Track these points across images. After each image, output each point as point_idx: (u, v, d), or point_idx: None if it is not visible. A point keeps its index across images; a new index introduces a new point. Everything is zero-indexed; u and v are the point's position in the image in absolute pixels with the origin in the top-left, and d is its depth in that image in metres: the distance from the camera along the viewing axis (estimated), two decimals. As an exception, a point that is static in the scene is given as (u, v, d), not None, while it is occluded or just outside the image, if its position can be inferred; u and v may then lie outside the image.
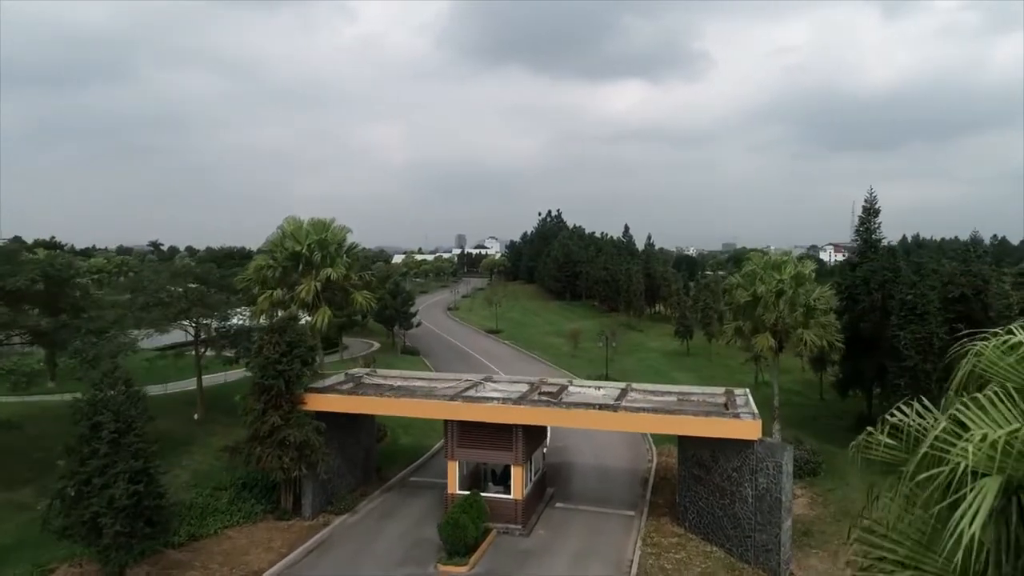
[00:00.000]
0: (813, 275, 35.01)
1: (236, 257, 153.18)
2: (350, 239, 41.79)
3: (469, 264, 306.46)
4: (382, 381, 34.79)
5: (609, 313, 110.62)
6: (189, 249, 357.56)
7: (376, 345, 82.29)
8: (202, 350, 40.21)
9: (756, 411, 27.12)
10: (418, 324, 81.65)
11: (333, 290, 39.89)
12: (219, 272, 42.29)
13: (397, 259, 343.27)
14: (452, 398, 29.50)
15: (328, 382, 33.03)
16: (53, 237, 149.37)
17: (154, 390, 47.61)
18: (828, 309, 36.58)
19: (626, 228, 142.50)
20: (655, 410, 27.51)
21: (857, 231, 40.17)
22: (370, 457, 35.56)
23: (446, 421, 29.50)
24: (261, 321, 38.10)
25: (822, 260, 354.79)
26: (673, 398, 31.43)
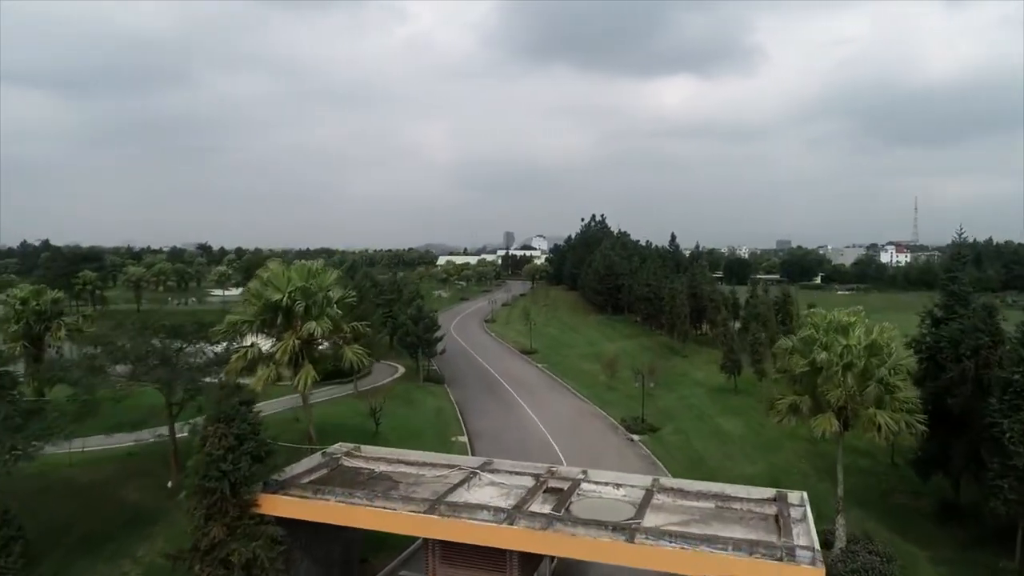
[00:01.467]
0: (891, 343, 28.20)
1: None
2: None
3: (513, 266, 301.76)
4: (363, 465, 29.63)
5: (651, 332, 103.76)
6: (238, 251, 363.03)
7: (401, 370, 77.82)
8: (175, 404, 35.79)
9: (816, 544, 20.86)
10: (442, 351, 76.58)
11: (319, 345, 34.93)
12: (197, 321, 37.78)
13: (441, 260, 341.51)
14: (434, 504, 23.98)
15: (298, 469, 27.97)
16: (92, 247, 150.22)
17: (141, 435, 43.59)
18: (907, 374, 29.79)
19: (672, 237, 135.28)
20: (683, 536, 21.45)
21: (941, 283, 32.94)
22: (351, 548, 30.37)
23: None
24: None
25: (884, 263, 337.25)
26: (711, 504, 25.35)
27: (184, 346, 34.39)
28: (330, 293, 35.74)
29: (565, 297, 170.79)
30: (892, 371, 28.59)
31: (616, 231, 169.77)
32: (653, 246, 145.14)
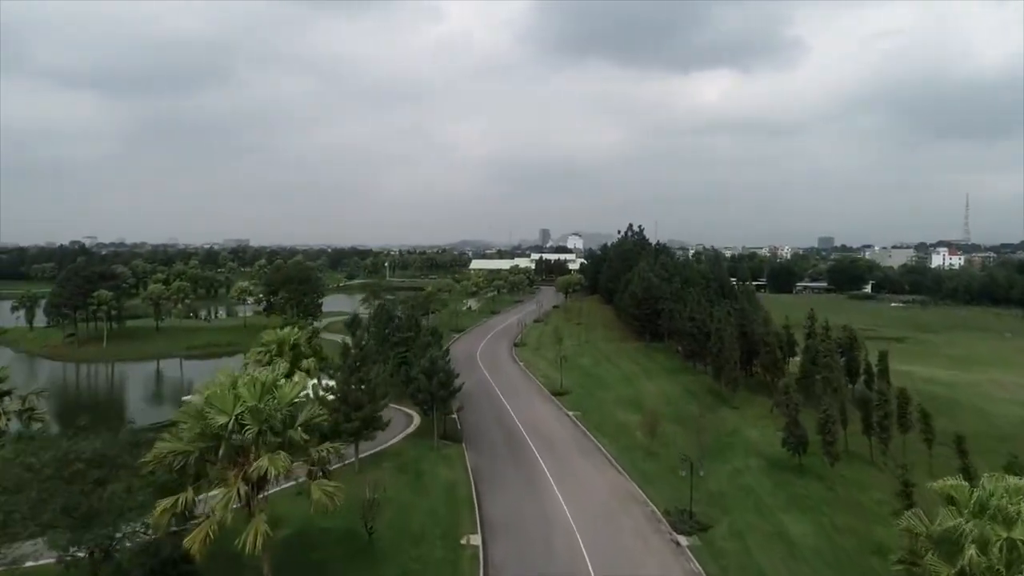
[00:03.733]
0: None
1: (305, 280, 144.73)
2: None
3: (547, 271, 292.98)
4: None
5: (695, 370, 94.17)
6: (271, 256, 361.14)
7: (416, 420, 70.27)
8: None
9: None
10: (459, 408, 68.50)
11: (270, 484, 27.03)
12: (132, 439, 30.09)
13: (475, 264, 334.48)
14: None
15: None
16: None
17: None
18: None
19: (716, 258, 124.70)
20: None
21: None
22: None
23: None
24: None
25: (935, 266, 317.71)
26: None
27: (103, 484, 26.72)
28: (293, 411, 27.87)
29: (600, 312, 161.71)
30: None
31: (655, 243, 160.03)
32: (692, 254, 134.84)
